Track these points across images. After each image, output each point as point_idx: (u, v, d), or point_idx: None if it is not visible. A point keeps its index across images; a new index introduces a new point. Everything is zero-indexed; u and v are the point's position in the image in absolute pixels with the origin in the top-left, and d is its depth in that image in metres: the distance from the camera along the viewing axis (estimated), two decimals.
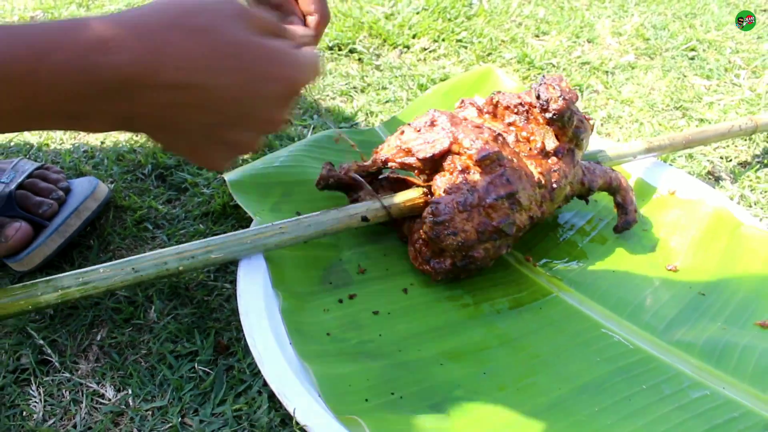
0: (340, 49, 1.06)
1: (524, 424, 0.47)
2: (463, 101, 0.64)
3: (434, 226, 0.55)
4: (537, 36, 1.16)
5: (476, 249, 0.56)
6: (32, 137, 0.85)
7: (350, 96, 0.94)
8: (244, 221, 0.67)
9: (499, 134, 0.58)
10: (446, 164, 0.57)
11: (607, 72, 1.05)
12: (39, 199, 0.63)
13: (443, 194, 0.56)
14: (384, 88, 0.97)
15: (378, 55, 1.06)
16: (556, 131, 0.59)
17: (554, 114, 0.57)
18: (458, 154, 0.57)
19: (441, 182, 0.57)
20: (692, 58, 1.10)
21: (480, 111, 0.62)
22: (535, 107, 0.59)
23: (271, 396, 0.49)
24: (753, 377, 0.52)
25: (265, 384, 0.50)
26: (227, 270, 0.62)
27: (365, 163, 0.61)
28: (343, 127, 0.84)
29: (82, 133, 0.86)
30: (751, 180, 0.78)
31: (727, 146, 0.85)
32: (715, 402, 0.50)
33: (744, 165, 0.81)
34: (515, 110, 0.60)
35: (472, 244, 0.56)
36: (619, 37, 1.16)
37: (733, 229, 0.65)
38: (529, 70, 1.03)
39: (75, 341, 0.55)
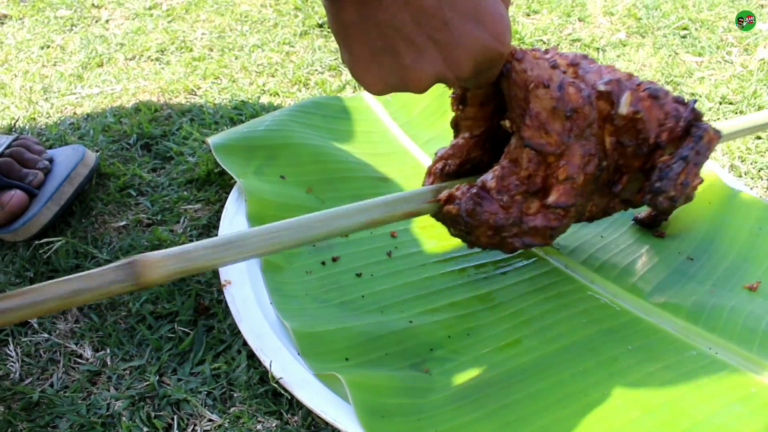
0: None
1: (506, 383, 0.46)
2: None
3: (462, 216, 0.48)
4: (528, 15, 1.15)
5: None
6: (18, 111, 0.84)
7: (339, 70, 0.93)
8: (228, 188, 0.66)
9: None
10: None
11: (598, 49, 1.04)
12: (25, 170, 0.62)
13: (494, 183, 0.47)
14: None
15: None
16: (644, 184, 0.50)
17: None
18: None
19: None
20: (684, 37, 1.09)
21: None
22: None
23: (251, 355, 0.49)
24: (741, 337, 0.51)
25: (245, 344, 0.49)
26: (210, 234, 0.61)
27: None
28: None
29: (68, 107, 0.85)
30: (741, 151, 0.77)
31: (718, 118, 0.84)
32: (703, 362, 0.49)
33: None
34: (629, 139, 0.48)
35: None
36: (610, 17, 1.15)
37: (723, 195, 0.64)
38: (519, 47, 1.02)
39: None
